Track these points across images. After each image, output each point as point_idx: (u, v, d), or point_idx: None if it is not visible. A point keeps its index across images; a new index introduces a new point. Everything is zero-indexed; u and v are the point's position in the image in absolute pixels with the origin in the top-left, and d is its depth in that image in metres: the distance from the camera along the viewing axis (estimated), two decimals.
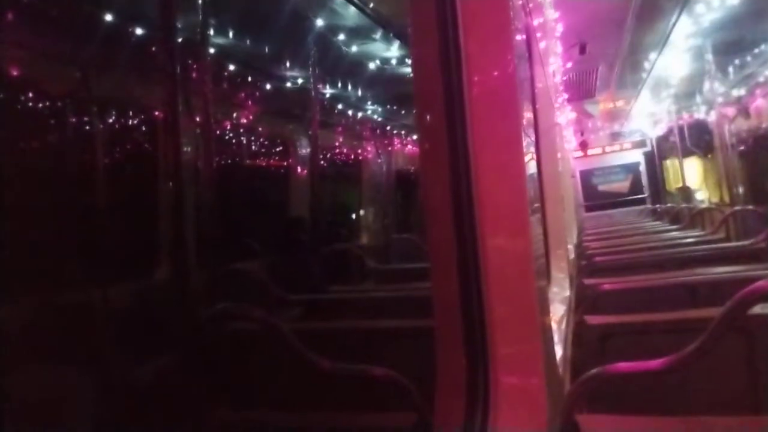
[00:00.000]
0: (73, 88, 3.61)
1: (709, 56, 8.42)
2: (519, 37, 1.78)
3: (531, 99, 3.77)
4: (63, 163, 3.49)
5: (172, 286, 3.67)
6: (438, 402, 1.47)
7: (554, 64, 6.02)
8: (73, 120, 3.71)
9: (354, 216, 9.02)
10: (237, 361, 2.40)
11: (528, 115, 1.89)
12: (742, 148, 9.31)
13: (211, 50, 4.60)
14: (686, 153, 11.74)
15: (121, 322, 3.12)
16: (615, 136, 15.33)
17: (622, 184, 15.45)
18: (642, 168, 15.23)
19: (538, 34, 4.16)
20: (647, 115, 13.47)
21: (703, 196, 11.68)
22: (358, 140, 8.80)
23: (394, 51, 6.63)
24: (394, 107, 9.02)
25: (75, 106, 3.65)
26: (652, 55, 8.53)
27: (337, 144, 8.23)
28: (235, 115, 5.78)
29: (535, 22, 3.93)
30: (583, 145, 15.00)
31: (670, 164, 13.72)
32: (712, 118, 9.83)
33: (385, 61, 6.92)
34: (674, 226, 7.95)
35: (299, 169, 6.62)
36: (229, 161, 6.07)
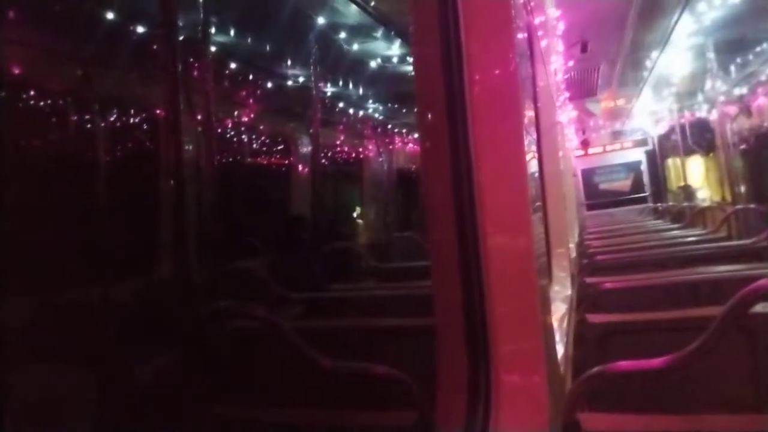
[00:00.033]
0: (74, 85, 3.61)
1: (711, 54, 8.40)
2: (520, 36, 1.78)
3: (532, 97, 3.77)
4: (64, 161, 3.49)
5: (173, 285, 3.67)
6: (439, 400, 1.47)
7: (556, 63, 6.01)
8: (75, 118, 3.72)
9: (355, 214, 9.02)
10: (238, 359, 2.40)
11: (529, 113, 1.89)
12: (743, 146, 9.29)
13: (213, 48, 4.60)
14: (688, 151, 11.73)
15: (122, 321, 3.12)
16: (616, 135, 15.31)
17: (623, 183, 15.44)
18: (643, 167, 15.22)
19: (540, 33, 4.16)
20: (649, 114, 13.45)
21: (704, 194, 11.67)
22: (360, 139, 8.80)
23: (395, 49, 6.63)
24: (396, 106, 9.02)
25: (77, 103, 3.65)
26: (654, 54, 8.51)
27: (338, 142, 8.23)
28: (236, 113, 5.78)
29: (537, 21, 3.92)
30: (585, 144, 14.98)
31: (672, 163, 13.70)
32: (713, 116, 9.81)
33: (387, 59, 6.92)
34: (676, 225, 7.95)
35: (300, 168, 6.62)
36: (231, 159, 6.07)
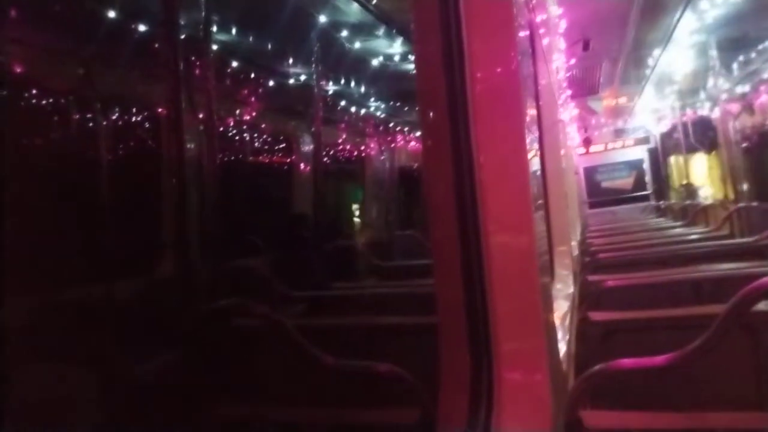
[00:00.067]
0: (76, 84, 3.61)
1: (714, 52, 8.38)
2: (522, 34, 1.78)
3: (534, 96, 3.77)
4: (66, 160, 3.49)
5: (175, 283, 3.68)
6: (442, 398, 1.47)
7: (557, 61, 6.00)
8: (77, 116, 3.72)
9: (357, 213, 9.03)
10: (241, 357, 2.40)
11: (531, 111, 1.89)
12: (746, 144, 9.27)
13: (214, 47, 4.60)
14: (690, 149, 11.71)
15: (124, 319, 3.13)
16: (618, 133, 15.29)
17: (625, 181, 15.43)
18: (645, 165, 15.21)
19: (542, 31, 4.15)
20: (651, 112, 13.43)
21: (707, 192, 11.65)
22: (361, 137, 8.80)
23: (397, 47, 6.63)
24: (397, 104, 9.01)
25: (78, 102, 3.65)
26: (656, 52, 8.50)
27: (340, 141, 8.23)
28: (238, 111, 5.79)
29: (538, 19, 3.92)
30: (587, 142, 14.96)
31: (674, 161, 13.68)
32: (716, 114, 9.79)
33: (388, 57, 6.92)
34: (678, 223, 7.95)
35: (302, 166, 6.63)
36: (233, 158, 6.08)
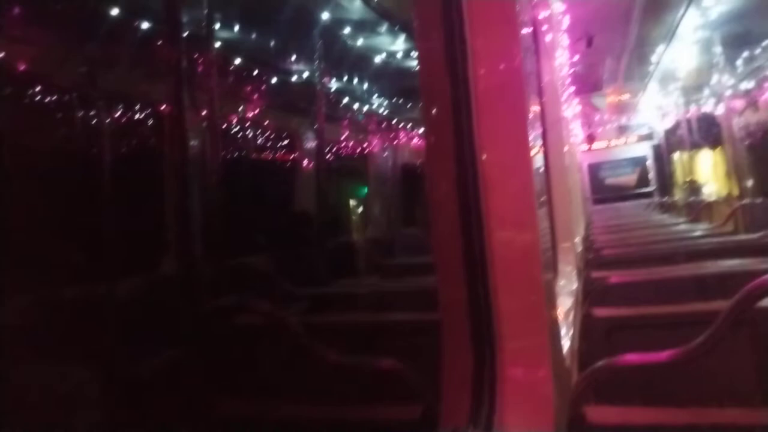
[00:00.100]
0: (79, 82, 3.62)
1: (717, 49, 8.35)
2: (525, 30, 1.78)
3: (537, 92, 3.76)
4: (70, 157, 3.50)
5: (177, 281, 3.68)
6: (445, 394, 1.48)
7: (561, 57, 5.98)
8: (80, 114, 3.73)
9: (359, 210, 9.03)
10: (244, 353, 2.41)
11: (534, 108, 1.89)
12: (750, 141, 9.25)
13: (217, 44, 4.60)
14: (694, 146, 11.68)
15: (128, 315, 3.14)
16: (622, 130, 15.26)
17: (629, 178, 15.42)
18: (649, 161, 15.19)
19: (545, 27, 4.14)
20: (655, 108, 13.40)
21: (711, 189, 11.62)
22: (364, 134, 8.80)
23: (399, 44, 6.62)
24: (400, 101, 9.01)
25: (81, 100, 3.66)
26: (660, 48, 8.48)
27: (342, 138, 8.23)
28: (240, 109, 5.79)
29: (542, 15, 3.91)
30: (590, 139, 14.94)
31: (678, 157, 13.65)
32: (720, 111, 9.76)
33: (391, 54, 6.91)
34: (682, 219, 7.92)
35: (305, 163, 6.63)
36: (236, 155, 6.09)
